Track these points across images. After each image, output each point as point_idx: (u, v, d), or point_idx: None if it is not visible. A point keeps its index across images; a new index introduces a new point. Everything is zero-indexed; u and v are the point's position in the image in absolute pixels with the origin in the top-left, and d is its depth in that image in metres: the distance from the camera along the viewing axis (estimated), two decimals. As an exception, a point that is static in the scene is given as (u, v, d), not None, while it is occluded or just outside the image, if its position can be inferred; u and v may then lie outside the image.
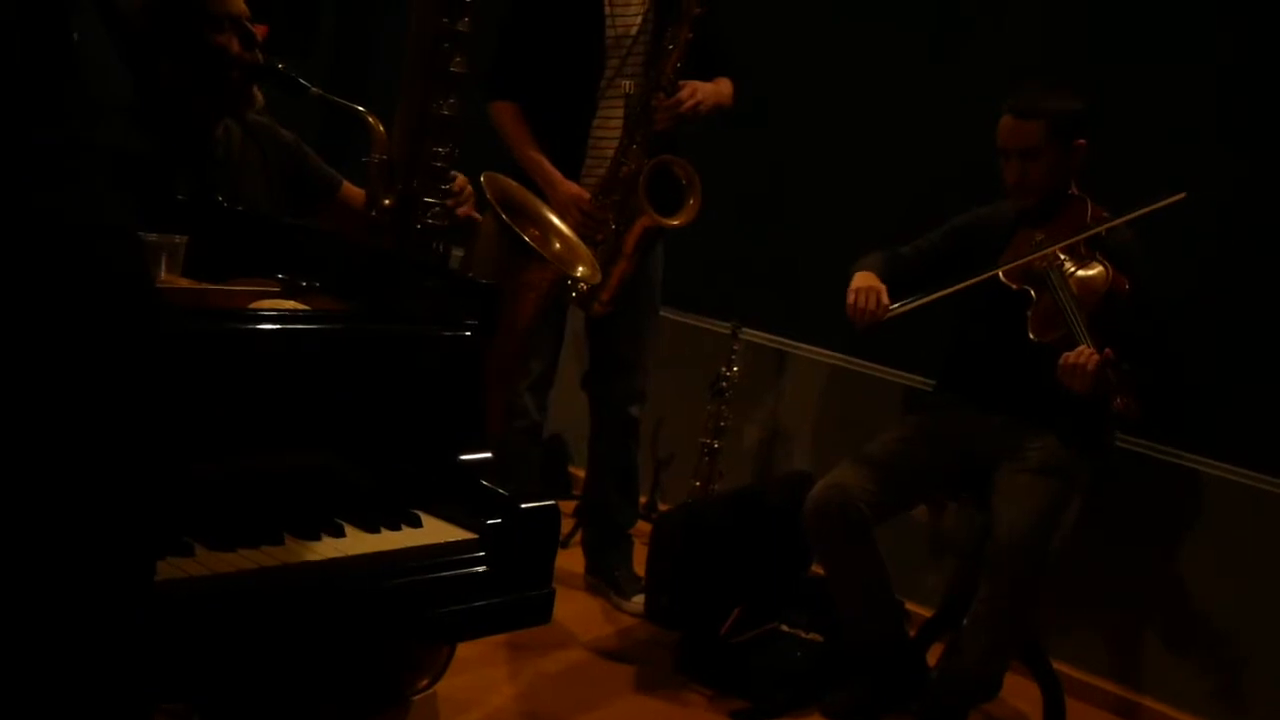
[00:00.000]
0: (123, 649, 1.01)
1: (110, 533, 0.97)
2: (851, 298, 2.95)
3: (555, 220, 2.24)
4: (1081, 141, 2.92)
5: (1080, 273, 2.82)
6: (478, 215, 2.15)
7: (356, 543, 1.47)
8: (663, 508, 3.95)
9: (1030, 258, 2.87)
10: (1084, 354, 2.60)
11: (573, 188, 3.20)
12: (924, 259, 3.14)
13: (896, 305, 2.93)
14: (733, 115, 3.43)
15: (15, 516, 0.90)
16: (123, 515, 0.98)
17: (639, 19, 3.19)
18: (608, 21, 3.19)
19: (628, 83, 3.17)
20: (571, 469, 4.29)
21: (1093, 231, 2.85)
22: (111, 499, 0.97)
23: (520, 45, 3.27)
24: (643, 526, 3.71)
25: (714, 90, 3.22)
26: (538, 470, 3.74)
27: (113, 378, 0.96)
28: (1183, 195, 2.76)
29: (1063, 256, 2.84)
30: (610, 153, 3.19)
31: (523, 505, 1.57)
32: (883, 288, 2.94)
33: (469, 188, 2.14)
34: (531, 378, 3.38)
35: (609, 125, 3.22)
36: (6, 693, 0.92)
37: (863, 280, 2.98)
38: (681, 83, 3.12)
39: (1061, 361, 2.63)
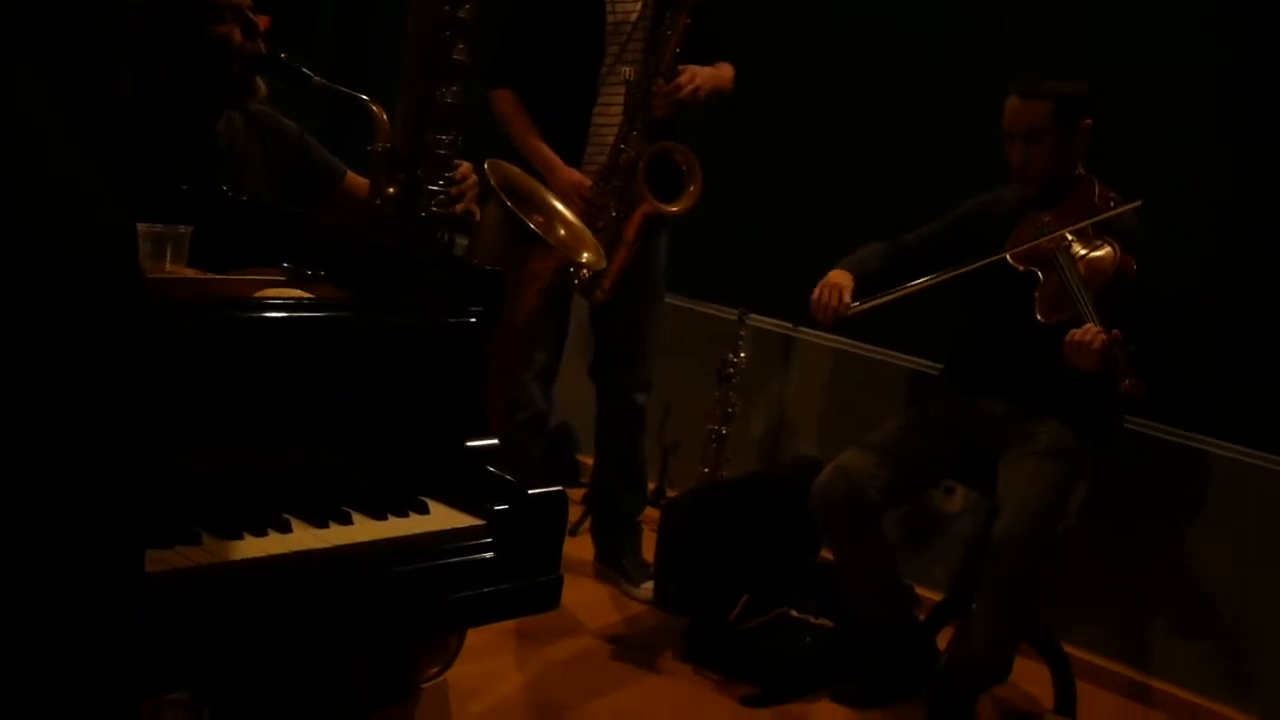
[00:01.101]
0: (129, 638, 1.01)
1: (109, 525, 0.97)
2: (815, 294, 2.98)
3: (560, 206, 2.24)
4: (1088, 122, 2.92)
5: (1088, 253, 2.81)
6: (476, 209, 2.14)
7: (364, 530, 1.47)
8: (671, 494, 3.96)
9: (1038, 241, 2.86)
10: (1090, 331, 2.59)
11: (574, 174, 3.20)
12: (926, 247, 3.14)
13: (857, 303, 2.95)
14: (740, 105, 3.42)
15: (12, 511, 0.90)
16: (119, 507, 0.98)
17: (639, 5, 3.19)
18: (607, 8, 3.19)
19: (627, 69, 3.17)
20: (580, 457, 4.30)
21: (1102, 217, 2.84)
22: (107, 490, 0.97)
23: (520, 33, 3.26)
24: (651, 513, 3.71)
25: (713, 75, 3.21)
26: (541, 459, 3.74)
27: (106, 376, 0.95)
28: (1139, 203, 2.80)
29: (1070, 237, 2.84)
30: (611, 140, 3.19)
31: (530, 491, 1.57)
32: (848, 285, 2.97)
33: (473, 175, 2.14)
34: (536, 367, 3.38)
35: (609, 112, 3.22)
36: (12, 681, 0.92)
37: (832, 277, 3.01)
38: (681, 68, 3.12)
39: (1068, 338, 2.62)
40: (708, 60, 3.22)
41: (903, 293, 2.95)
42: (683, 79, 3.12)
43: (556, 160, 3.21)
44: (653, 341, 3.51)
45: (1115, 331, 2.58)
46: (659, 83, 3.11)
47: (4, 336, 0.89)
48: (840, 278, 3.00)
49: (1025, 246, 2.88)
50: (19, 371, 0.89)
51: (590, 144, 3.26)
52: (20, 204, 0.91)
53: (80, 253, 0.95)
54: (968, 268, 2.93)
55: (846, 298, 2.95)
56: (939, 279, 2.93)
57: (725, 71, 3.28)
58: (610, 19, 3.20)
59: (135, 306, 0.99)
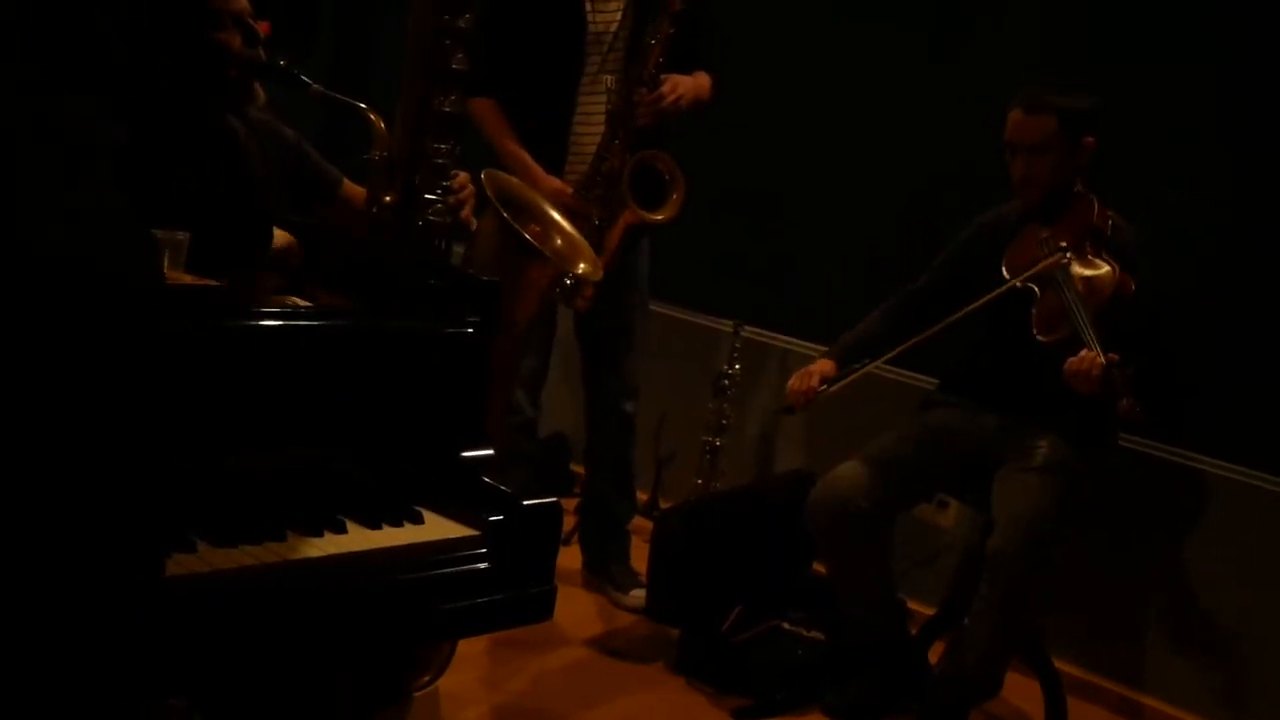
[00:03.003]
0: (126, 644, 1.01)
1: (115, 529, 0.97)
2: (791, 381, 3.11)
3: (556, 216, 2.24)
4: (1090, 140, 2.92)
5: (1087, 272, 2.81)
6: (473, 220, 2.14)
7: (359, 539, 1.47)
8: (664, 505, 3.95)
9: (1042, 265, 2.85)
10: (1087, 359, 2.59)
11: (555, 182, 3.19)
12: (935, 288, 3.15)
13: (825, 387, 3.06)
14: (738, 115, 3.41)
15: (22, 514, 0.90)
16: (127, 512, 0.98)
17: (618, 15, 3.19)
18: (588, 18, 3.19)
19: (609, 78, 3.17)
20: (574, 467, 4.29)
21: (1095, 226, 2.85)
22: (116, 496, 0.96)
23: (499, 42, 3.25)
24: (644, 524, 3.71)
25: (694, 85, 3.21)
26: (534, 467, 3.73)
27: (120, 375, 0.95)
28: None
29: (1069, 255, 2.83)
30: (592, 149, 3.19)
31: (524, 502, 1.57)
32: (818, 372, 3.08)
33: (470, 185, 2.14)
34: (524, 374, 3.38)
35: (591, 122, 3.22)
36: (12, 687, 0.92)
37: (813, 365, 3.13)
38: (663, 78, 3.12)
39: (1066, 366, 2.62)
40: (687, 69, 3.23)
41: (874, 365, 3.05)
42: (665, 89, 3.12)
43: (537, 169, 3.21)
44: (638, 347, 3.50)
45: (1112, 355, 2.57)
46: (641, 92, 3.11)
47: (16, 336, 0.89)
48: (820, 365, 3.11)
49: (1028, 272, 2.87)
50: (30, 376, 0.89)
51: (571, 154, 3.26)
52: (26, 209, 0.91)
53: (89, 259, 0.95)
54: (968, 309, 2.91)
55: (814, 382, 3.06)
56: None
57: (704, 81, 3.27)
58: (591, 28, 3.20)
59: (146, 313, 0.98)
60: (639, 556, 3.53)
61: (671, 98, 3.12)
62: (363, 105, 2.06)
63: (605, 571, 3.57)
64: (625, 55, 3.17)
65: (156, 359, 1.00)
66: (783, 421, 4.02)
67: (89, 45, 1.04)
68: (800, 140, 3.95)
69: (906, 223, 3.71)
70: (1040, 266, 2.85)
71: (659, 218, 3.18)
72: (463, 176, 2.09)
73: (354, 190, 2.36)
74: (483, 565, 1.52)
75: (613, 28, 3.19)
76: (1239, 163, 3.20)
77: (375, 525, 1.50)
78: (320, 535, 1.44)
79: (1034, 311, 2.83)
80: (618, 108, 3.13)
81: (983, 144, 3.09)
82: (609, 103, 3.16)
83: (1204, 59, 3.24)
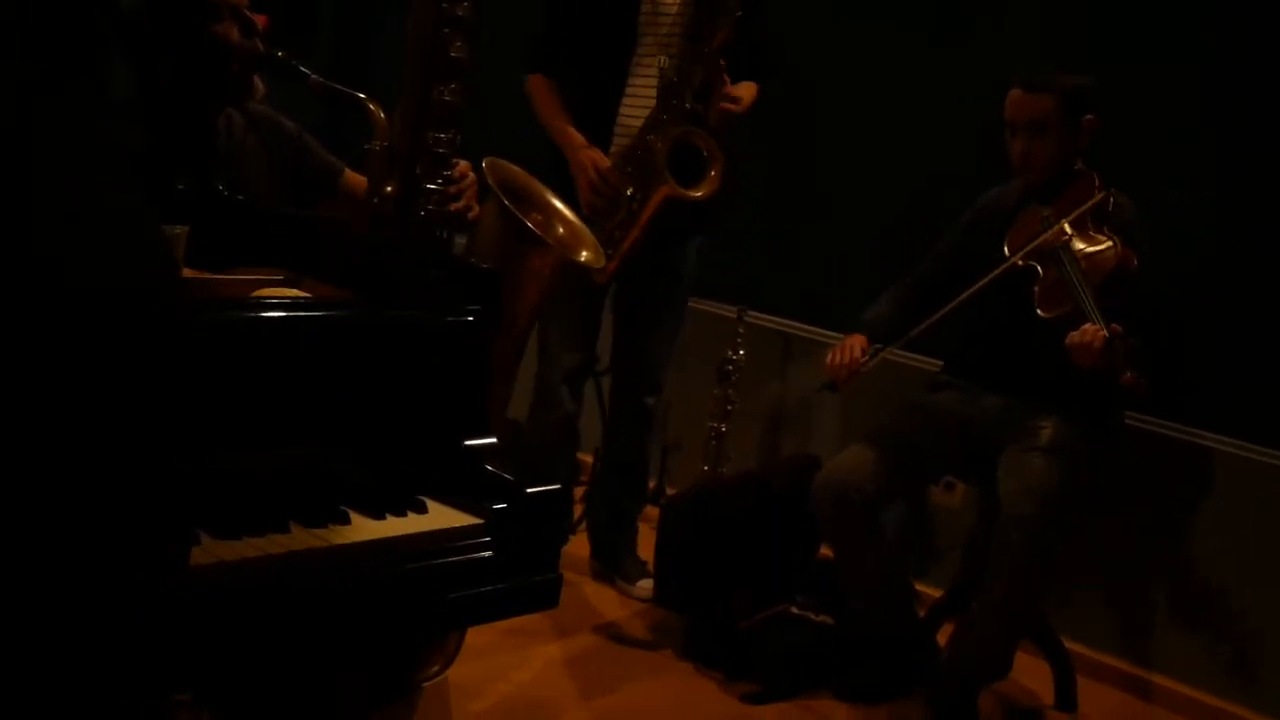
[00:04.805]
0: (133, 638, 1.01)
1: (128, 524, 0.97)
2: (830, 356, 3.07)
3: (559, 205, 2.24)
4: (1090, 117, 2.91)
5: (1089, 248, 2.81)
6: (476, 206, 2.14)
7: (362, 530, 1.46)
8: (671, 492, 3.95)
9: (1043, 240, 2.85)
10: (1089, 332, 2.59)
11: (594, 151, 3.18)
12: (939, 272, 3.15)
13: (865, 359, 3.03)
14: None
15: (33, 508, 0.90)
16: (141, 506, 0.98)
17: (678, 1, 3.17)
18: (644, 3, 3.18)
19: (663, 58, 3.15)
20: (580, 455, 4.29)
21: (1094, 201, 2.84)
22: (131, 490, 0.97)
23: (562, 21, 3.27)
24: (651, 511, 3.71)
25: (750, 98, 3.23)
26: (572, 462, 3.72)
27: (139, 373, 0.95)
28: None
29: (1070, 231, 2.83)
30: (639, 127, 3.17)
31: (528, 490, 1.57)
32: (859, 344, 3.05)
33: (471, 174, 2.13)
34: (566, 369, 3.39)
35: (639, 103, 3.20)
36: (17, 683, 0.92)
37: (847, 339, 3.09)
38: (734, 90, 3.11)
39: (1068, 341, 2.62)
40: (736, 78, 3.23)
41: (896, 346, 3.05)
42: (743, 98, 3.13)
43: (580, 139, 3.20)
44: (667, 344, 3.50)
45: (1115, 326, 2.57)
46: (720, 107, 3.10)
47: (36, 345, 0.89)
48: (856, 340, 3.08)
49: (1029, 247, 2.87)
50: (53, 376, 0.89)
51: (617, 133, 3.24)
52: (38, 210, 0.91)
53: (104, 259, 0.95)
54: (974, 288, 2.91)
55: (856, 354, 3.03)
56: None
57: (753, 92, 3.28)
58: (645, 8, 3.18)
59: (162, 313, 0.98)
60: (645, 543, 3.54)
61: (742, 108, 3.14)
62: (362, 95, 2.06)
63: (613, 562, 3.58)
64: (682, 36, 3.13)
65: (172, 357, 1.00)
66: (788, 407, 4.02)
67: (89, 45, 1.04)
68: (802, 134, 3.95)
69: (910, 208, 3.71)
70: (1041, 241, 2.85)
71: (696, 194, 3.14)
72: (464, 165, 2.09)
73: (356, 179, 2.36)
74: (487, 554, 1.52)
75: (673, 11, 3.17)
76: (1238, 160, 3.22)
77: (379, 515, 1.50)
78: (324, 526, 1.44)
79: (1036, 289, 2.83)
80: (669, 85, 3.12)
81: (982, 140, 3.10)
82: (661, 79, 3.14)
83: (1204, 57, 3.25)
